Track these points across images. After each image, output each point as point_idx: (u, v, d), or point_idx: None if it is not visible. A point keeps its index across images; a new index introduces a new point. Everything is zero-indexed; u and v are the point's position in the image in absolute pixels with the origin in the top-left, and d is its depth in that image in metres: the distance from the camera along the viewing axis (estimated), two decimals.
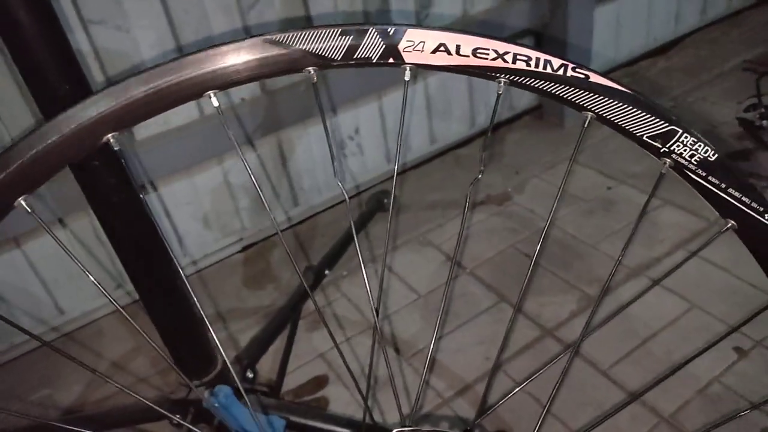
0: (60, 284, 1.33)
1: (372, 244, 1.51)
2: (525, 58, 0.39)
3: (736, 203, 0.40)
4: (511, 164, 1.74)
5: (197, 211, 1.43)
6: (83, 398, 1.23)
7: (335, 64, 0.41)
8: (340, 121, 1.55)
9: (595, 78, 0.39)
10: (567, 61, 0.39)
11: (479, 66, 0.40)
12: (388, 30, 0.40)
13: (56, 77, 0.62)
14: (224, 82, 0.41)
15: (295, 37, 0.40)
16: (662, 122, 0.38)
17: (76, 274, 1.34)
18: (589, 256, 1.35)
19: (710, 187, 0.40)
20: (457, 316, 1.27)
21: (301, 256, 1.52)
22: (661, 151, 0.40)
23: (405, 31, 0.40)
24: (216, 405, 0.78)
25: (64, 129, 0.40)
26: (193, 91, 0.41)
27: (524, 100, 1.88)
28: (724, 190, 0.40)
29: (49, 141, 0.39)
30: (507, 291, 1.30)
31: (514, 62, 0.39)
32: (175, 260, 0.44)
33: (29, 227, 1.22)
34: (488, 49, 0.40)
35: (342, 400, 1.13)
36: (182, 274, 0.45)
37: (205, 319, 0.46)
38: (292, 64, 0.41)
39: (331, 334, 0.49)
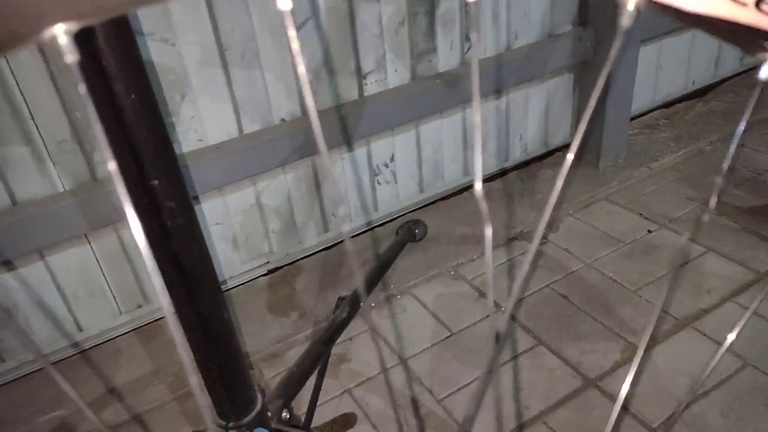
0: (80, 300, 1.28)
1: (402, 275, 1.46)
2: None
3: None
4: (544, 201, 1.69)
5: (227, 231, 1.39)
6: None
7: None
8: (375, 148, 1.51)
9: None
10: None
11: (757, 27, 0.21)
12: None
13: None
14: None
15: None
16: None
17: (97, 291, 1.29)
18: (632, 303, 1.30)
19: None
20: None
21: (328, 281, 1.47)
22: None
23: None
24: None
25: None
26: None
27: (559, 137, 1.85)
28: None
29: None
30: (544, 334, 1.25)
31: None
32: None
33: (54, 240, 1.17)
34: None
35: None
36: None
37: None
38: None
39: None
